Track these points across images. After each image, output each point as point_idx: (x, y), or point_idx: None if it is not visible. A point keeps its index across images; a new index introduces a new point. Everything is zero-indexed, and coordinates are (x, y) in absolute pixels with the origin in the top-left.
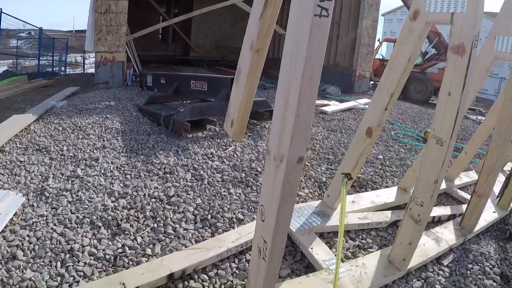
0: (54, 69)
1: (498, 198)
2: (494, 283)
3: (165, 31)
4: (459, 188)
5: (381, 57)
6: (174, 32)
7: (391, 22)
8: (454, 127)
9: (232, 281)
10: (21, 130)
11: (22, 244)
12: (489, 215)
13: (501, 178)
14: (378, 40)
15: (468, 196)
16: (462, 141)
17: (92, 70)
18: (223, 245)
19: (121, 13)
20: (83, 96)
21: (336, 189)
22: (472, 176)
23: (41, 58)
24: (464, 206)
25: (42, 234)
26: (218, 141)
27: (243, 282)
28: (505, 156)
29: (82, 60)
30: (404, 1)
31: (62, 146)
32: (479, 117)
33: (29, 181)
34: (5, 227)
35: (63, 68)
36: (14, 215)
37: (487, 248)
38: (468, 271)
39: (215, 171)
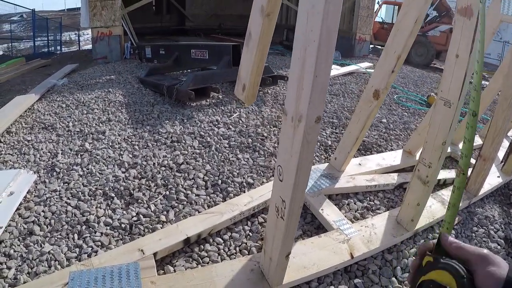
0: (50, 49)
1: (502, 163)
2: (499, 246)
3: (159, 2)
4: None
5: (381, 20)
6: (168, 3)
7: None
8: (462, 89)
9: (246, 243)
10: (25, 111)
11: (38, 220)
12: (493, 179)
13: (505, 144)
14: (378, 3)
15: (472, 161)
16: (466, 105)
17: (88, 47)
18: (236, 208)
19: None
20: (82, 73)
21: (343, 152)
22: (477, 140)
23: (36, 39)
24: (469, 170)
25: (56, 208)
26: (223, 108)
27: (257, 244)
28: (510, 120)
29: (77, 37)
30: None
31: (68, 122)
32: (483, 82)
33: (39, 158)
34: (19, 205)
35: (58, 48)
36: (27, 192)
37: (492, 212)
38: (473, 234)
39: (221, 137)
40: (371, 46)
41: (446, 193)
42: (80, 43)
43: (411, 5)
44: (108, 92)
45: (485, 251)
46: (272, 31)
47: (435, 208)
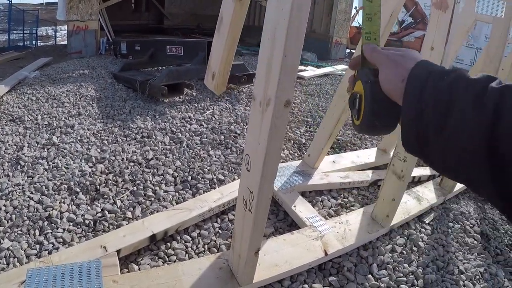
0: (25, 42)
1: None
2: (475, 241)
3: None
4: None
5: (357, 25)
6: (147, 0)
7: None
8: None
9: (215, 241)
10: None
11: None
12: None
13: None
14: (355, 8)
15: None
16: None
17: (64, 42)
18: (205, 205)
19: None
20: (56, 66)
21: (317, 148)
22: None
23: (11, 32)
24: None
25: (18, 202)
26: (196, 105)
27: (227, 242)
28: None
29: (54, 32)
30: None
31: (37, 115)
32: None
33: (4, 151)
34: None
35: (34, 42)
36: None
37: (467, 208)
38: (449, 229)
39: (193, 134)
40: (347, 50)
41: (421, 190)
42: (57, 38)
43: None
44: (80, 86)
45: (391, 52)
46: (244, 16)
47: (410, 204)
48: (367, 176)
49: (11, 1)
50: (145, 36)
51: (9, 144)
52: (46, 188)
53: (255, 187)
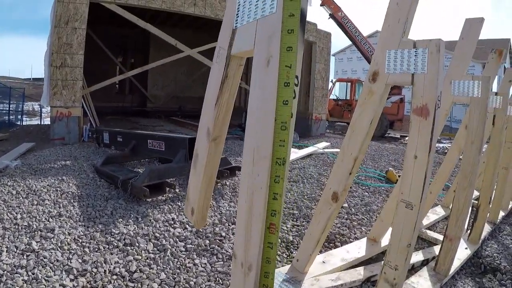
0: (11, 117)
1: (468, 232)
2: None
3: (122, 82)
4: (428, 228)
5: (335, 97)
6: (131, 83)
7: (342, 61)
8: (423, 190)
9: None
10: None
11: None
12: (461, 253)
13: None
14: (331, 81)
15: (437, 236)
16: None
17: (49, 120)
18: None
19: (77, 67)
20: (38, 154)
21: (305, 253)
22: (439, 212)
23: None
24: (436, 248)
25: None
26: (179, 203)
27: None
28: (471, 197)
29: (39, 109)
30: (364, 55)
31: (16, 213)
32: (437, 145)
33: None
34: None
35: (19, 117)
36: None
37: None
38: None
39: (177, 239)
40: (326, 122)
41: (415, 280)
42: (42, 114)
43: (366, 106)
44: (61, 181)
45: None
46: (220, 155)
47: None
48: (359, 274)
49: None
50: (128, 119)
51: None
52: None
53: None
